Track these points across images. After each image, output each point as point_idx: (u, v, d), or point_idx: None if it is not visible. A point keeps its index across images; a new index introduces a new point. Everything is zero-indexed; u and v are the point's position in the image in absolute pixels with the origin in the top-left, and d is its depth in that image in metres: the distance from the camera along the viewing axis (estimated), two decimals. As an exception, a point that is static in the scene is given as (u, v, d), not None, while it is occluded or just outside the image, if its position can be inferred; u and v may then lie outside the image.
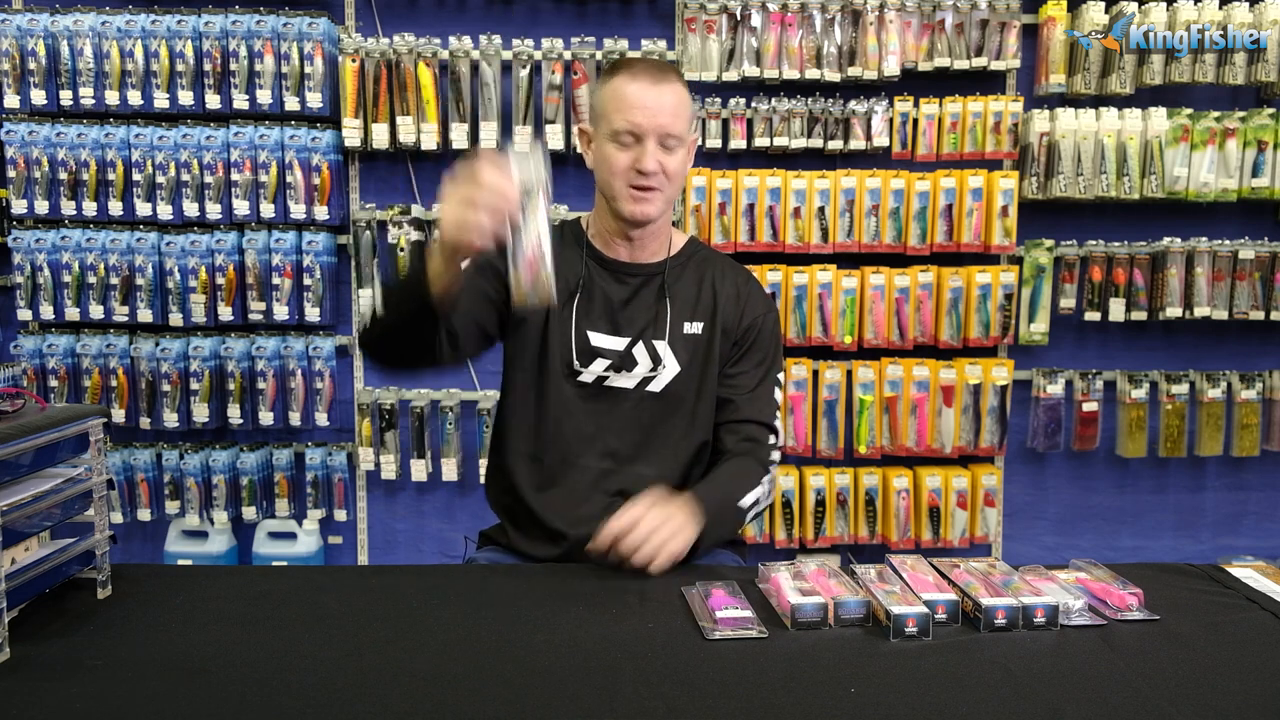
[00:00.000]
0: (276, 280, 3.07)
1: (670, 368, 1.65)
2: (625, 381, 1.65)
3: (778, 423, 1.70)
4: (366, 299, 3.09)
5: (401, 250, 3.04)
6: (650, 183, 1.57)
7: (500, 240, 1.34)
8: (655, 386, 1.65)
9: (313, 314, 3.08)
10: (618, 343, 1.65)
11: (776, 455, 1.69)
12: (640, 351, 1.65)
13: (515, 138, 3.02)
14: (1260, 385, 3.16)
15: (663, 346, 1.65)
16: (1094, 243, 3.13)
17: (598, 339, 1.65)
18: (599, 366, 1.64)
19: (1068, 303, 3.12)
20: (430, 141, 3.02)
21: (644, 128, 1.56)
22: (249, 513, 3.14)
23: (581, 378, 1.64)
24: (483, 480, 3.11)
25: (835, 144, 3.05)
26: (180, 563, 3.11)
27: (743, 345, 1.70)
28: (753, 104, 3.04)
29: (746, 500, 1.60)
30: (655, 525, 1.41)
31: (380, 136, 3.01)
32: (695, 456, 1.68)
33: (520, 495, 1.67)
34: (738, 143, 3.06)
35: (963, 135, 3.04)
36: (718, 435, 1.68)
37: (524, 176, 1.32)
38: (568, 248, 1.69)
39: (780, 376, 1.74)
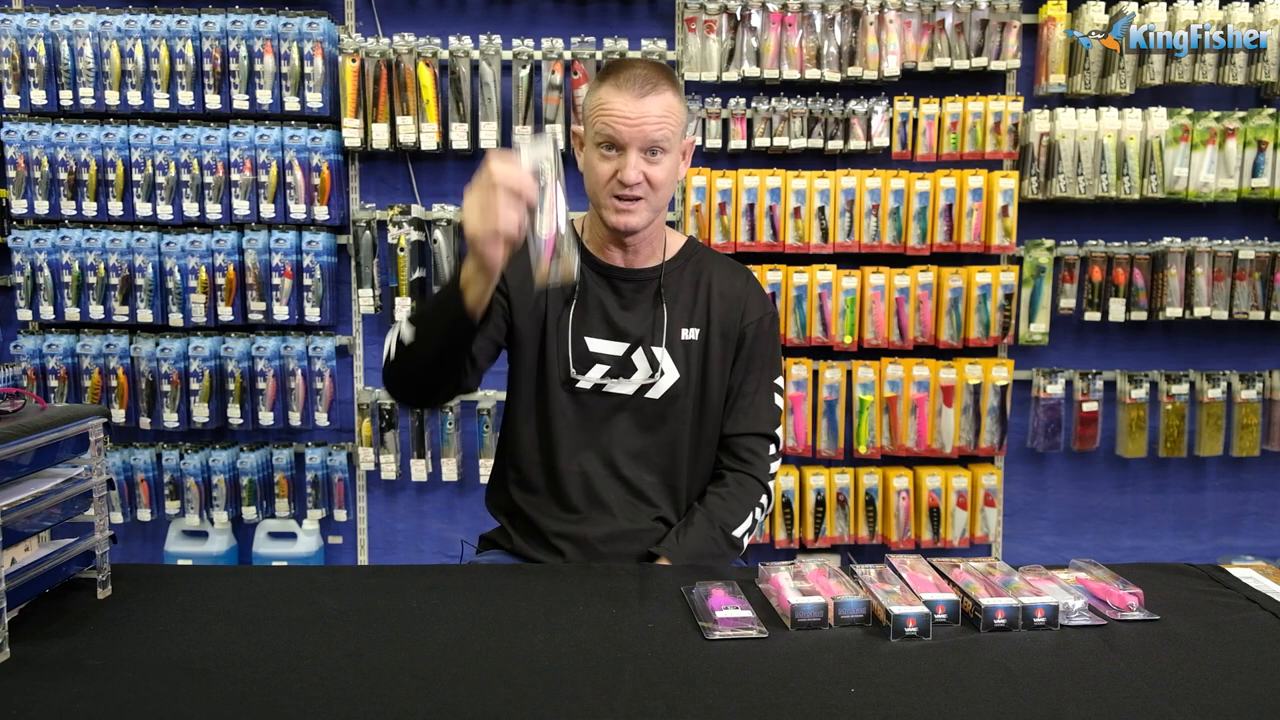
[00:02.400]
0: (276, 280, 3.07)
1: (669, 374, 1.64)
2: (624, 388, 1.63)
3: (778, 430, 1.70)
4: (366, 299, 3.09)
5: (401, 250, 3.04)
6: (633, 193, 1.55)
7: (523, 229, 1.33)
8: (654, 393, 1.64)
9: (313, 314, 3.08)
10: (616, 348, 1.64)
11: (776, 465, 1.70)
12: (639, 358, 1.64)
13: (516, 136, 3.03)
14: (1260, 385, 3.16)
15: (661, 353, 1.64)
16: (1094, 243, 3.13)
17: (596, 344, 1.64)
18: (596, 373, 1.63)
19: (1068, 303, 3.12)
20: (430, 141, 3.02)
21: (626, 138, 1.53)
22: (249, 513, 3.14)
23: (579, 384, 1.63)
24: (483, 482, 3.16)
25: (835, 144, 3.05)
26: (180, 563, 3.11)
27: (740, 349, 1.68)
28: (753, 104, 3.04)
29: (740, 529, 1.62)
30: None
31: (380, 136, 3.01)
32: (696, 462, 1.68)
33: (520, 502, 1.67)
34: (738, 143, 3.06)
35: (963, 135, 3.04)
36: (718, 446, 1.69)
37: (535, 161, 1.32)
38: None
39: (779, 381, 1.73)
